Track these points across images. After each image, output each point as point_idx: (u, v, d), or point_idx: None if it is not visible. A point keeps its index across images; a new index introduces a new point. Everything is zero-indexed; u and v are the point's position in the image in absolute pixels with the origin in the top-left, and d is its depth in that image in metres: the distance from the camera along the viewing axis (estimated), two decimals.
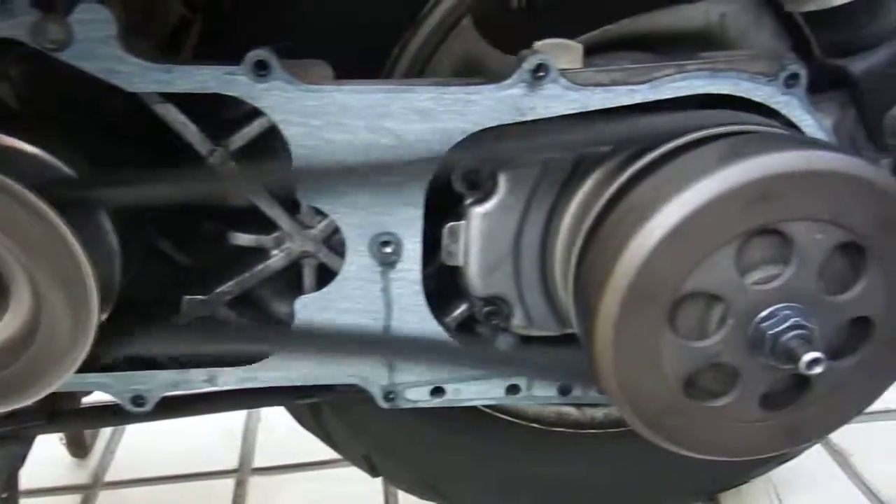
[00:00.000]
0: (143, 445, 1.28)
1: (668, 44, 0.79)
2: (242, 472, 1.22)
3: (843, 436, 1.20)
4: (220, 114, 0.67)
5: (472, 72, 0.76)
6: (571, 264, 0.64)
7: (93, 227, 0.62)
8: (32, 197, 0.55)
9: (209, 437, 1.27)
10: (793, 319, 0.55)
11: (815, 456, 1.17)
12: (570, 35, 0.77)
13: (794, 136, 0.58)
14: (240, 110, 0.67)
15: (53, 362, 0.60)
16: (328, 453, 0.95)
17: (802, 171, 0.52)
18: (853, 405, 0.61)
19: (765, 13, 0.77)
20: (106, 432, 1.32)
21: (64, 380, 0.61)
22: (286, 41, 0.67)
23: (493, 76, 0.65)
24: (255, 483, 1.20)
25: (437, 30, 0.73)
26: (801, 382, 0.60)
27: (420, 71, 0.76)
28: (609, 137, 0.65)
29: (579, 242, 0.63)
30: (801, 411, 0.60)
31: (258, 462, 1.23)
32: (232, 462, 1.23)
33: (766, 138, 0.57)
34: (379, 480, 1.12)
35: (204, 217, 0.73)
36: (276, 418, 1.27)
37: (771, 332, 0.55)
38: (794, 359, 0.54)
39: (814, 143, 0.56)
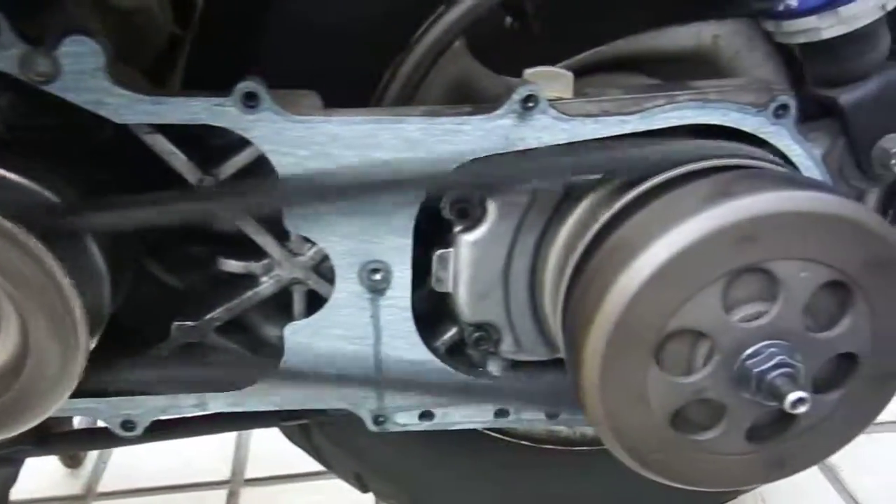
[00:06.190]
0: (135, 457, 1.28)
1: (659, 65, 0.80)
2: (235, 483, 1.22)
3: None
4: (208, 140, 0.67)
5: (464, 93, 0.76)
6: (560, 296, 0.64)
7: (79, 253, 0.62)
8: (13, 226, 0.55)
9: (201, 447, 1.27)
10: (778, 357, 0.55)
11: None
12: (563, 55, 0.77)
13: (779, 174, 0.58)
14: (228, 137, 0.67)
15: (45, 391, 0.60)
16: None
17: (789, 212, 0.52)
18: (838, 438, 0.61)
19: (757, 36, 0.77)
20: None
21: (56, 407, 0.61)
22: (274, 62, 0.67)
23: (483, 106, 0.65)
24: (248, 494, 1.20)
25: (428, 53, 0.73)
26: (786, 416, 0.60)
27: (411, 95, 0.75)
28: (597, 166, 0.65)
29: (567, 274, 0.63)
30: (786, 444, 0.61)
31: (250, 473, 1.24)
32: (224, 473, 1.23)
33: (753, 176, 0.57)
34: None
35: (193, 242, 0.73)
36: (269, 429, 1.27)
37: (756, 369, 0.55)
38: (780, 397, 0.54)
39: (798, 182, 0.56)
